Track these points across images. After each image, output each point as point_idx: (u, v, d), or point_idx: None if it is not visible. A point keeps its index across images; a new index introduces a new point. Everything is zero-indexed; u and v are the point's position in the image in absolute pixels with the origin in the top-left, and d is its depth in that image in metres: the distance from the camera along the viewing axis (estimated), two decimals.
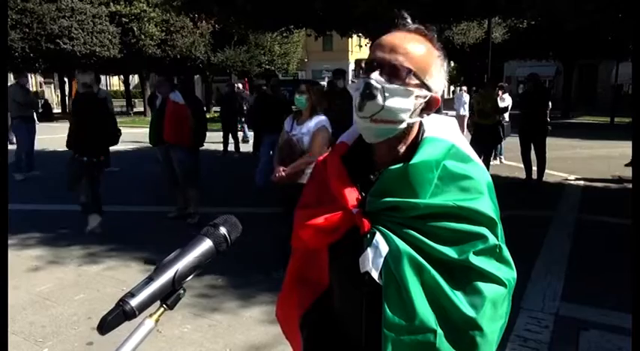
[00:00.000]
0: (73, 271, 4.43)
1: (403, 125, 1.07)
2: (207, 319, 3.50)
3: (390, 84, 1.03)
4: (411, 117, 1.07)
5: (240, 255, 3.96)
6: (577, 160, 10.39)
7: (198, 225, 5.64)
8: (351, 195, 1.09)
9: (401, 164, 1.06)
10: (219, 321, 3.47)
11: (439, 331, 1.01)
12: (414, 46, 1.05)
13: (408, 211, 1.05)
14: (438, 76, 1.08)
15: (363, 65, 1.09)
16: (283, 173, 3.87)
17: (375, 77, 1.03)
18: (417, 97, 1.05)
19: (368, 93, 1.03)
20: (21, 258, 4.73)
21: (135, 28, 23.63)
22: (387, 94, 1.02)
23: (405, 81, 1.03)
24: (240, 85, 12.79)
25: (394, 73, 1.03)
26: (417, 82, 1.04)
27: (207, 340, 3.21)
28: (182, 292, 0.85)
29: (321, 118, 3.90)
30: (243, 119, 12.67)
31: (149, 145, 6.87)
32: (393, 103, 1.03)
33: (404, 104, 1.04)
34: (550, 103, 8.25)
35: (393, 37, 1.06)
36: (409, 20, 1.09)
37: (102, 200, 5.61)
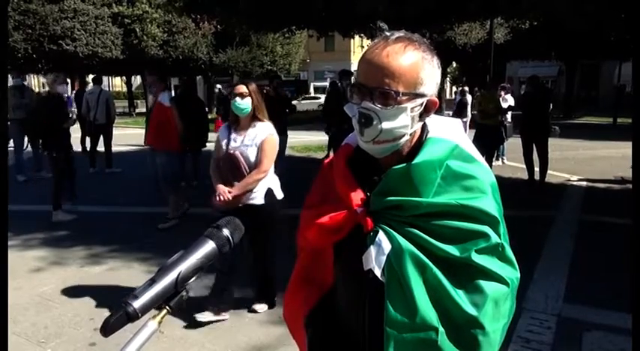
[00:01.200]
0: (76, 272, 4.44)
1: (406, 138, 1.09)
2: None
3: (383, 108, 1.04)
4: (411, 128, 1.09)
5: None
6: (579, 161, 10.37)
7: (169, 230, 5.58)
8: (356, 195, 1.11)
9: (404, 164, 1.07)
10: (220, 322, 3.47)
11: (441, 328, 1.02)
12: (399, 62, 1.03)
13: (411, 209, 1.06)
14: (430, 78, 1.07)
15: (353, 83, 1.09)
16: (229, 196, 3.18)
17: (367, 105, 1.04)
18: (412, 109, 1.06)
19: (364, 121, 1.05)
20: (24, 259, 4.74)
21: (137, 29, 23.71)
22: (382, 119, 1.04)
23: (397, 101, 1.04)
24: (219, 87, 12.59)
25: (385, 97, 1.04)
26: (410, 96, 1.05)
27: (209, 341, 3.22)
28: (185, 293, 0.85)
29: (265, 125, 3.28)
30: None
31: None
32: (390, 124, 1.05)
33: (401, 122, 1.06)
34: (551, 104, 8.23)
35: (377, 56, 1.04)
36: (387, 32, 1.09)
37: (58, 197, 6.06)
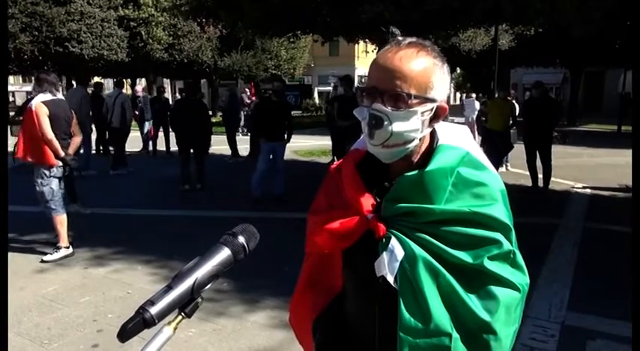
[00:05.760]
0: (79, 274, 4.45)
1: (415, 142, 1.10)
2: (212, 323, 3.50)
3: (394, 110, 1.05)
4: (421, 132, 1.09)
5: (245, 260, 3.96)
6: (583, 168, 10.33)
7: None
8: (366, 201, 1.11)
9: (416, 171, 1.08)
10: (224, 325, 3.48)
11: (455, 334, 1.02)
12: (411, 65, 1.05)
13: (423, 216, 1.07)
14: (440, 84, 1.09)
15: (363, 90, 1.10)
16: None
17: (378, 107, 1.05)
18: (422, 113, 1.07)
19: (375, 123, 1.06)
20: (28, 260, 4.76)
21: (143, 33, 23.80)
22: (393, 121, 1.05)
23: (408, 104, 1.05)
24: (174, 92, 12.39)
25: (396, 99, 1.05)
26: (420, 100, 1.06)
27: (212, 345, 3.22)
28: (200, 300, 0.86)
29: None
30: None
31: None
32: (400, 127, 1.05)
33: (412, 125, 1.07)
34: (559, 115, 8.24)
35: (390, 60, 1.06)
36: (400, 37, 1.10)
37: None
